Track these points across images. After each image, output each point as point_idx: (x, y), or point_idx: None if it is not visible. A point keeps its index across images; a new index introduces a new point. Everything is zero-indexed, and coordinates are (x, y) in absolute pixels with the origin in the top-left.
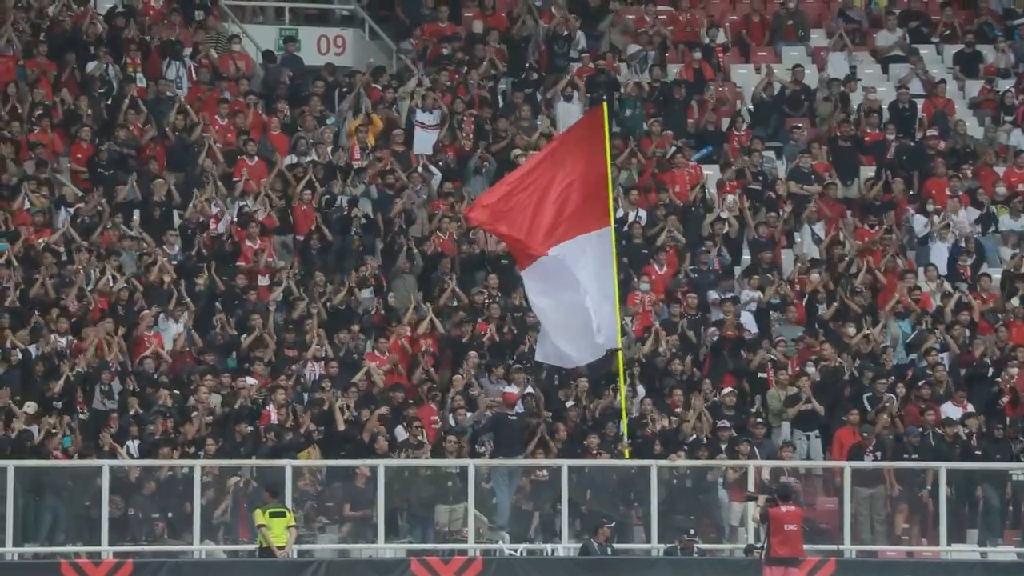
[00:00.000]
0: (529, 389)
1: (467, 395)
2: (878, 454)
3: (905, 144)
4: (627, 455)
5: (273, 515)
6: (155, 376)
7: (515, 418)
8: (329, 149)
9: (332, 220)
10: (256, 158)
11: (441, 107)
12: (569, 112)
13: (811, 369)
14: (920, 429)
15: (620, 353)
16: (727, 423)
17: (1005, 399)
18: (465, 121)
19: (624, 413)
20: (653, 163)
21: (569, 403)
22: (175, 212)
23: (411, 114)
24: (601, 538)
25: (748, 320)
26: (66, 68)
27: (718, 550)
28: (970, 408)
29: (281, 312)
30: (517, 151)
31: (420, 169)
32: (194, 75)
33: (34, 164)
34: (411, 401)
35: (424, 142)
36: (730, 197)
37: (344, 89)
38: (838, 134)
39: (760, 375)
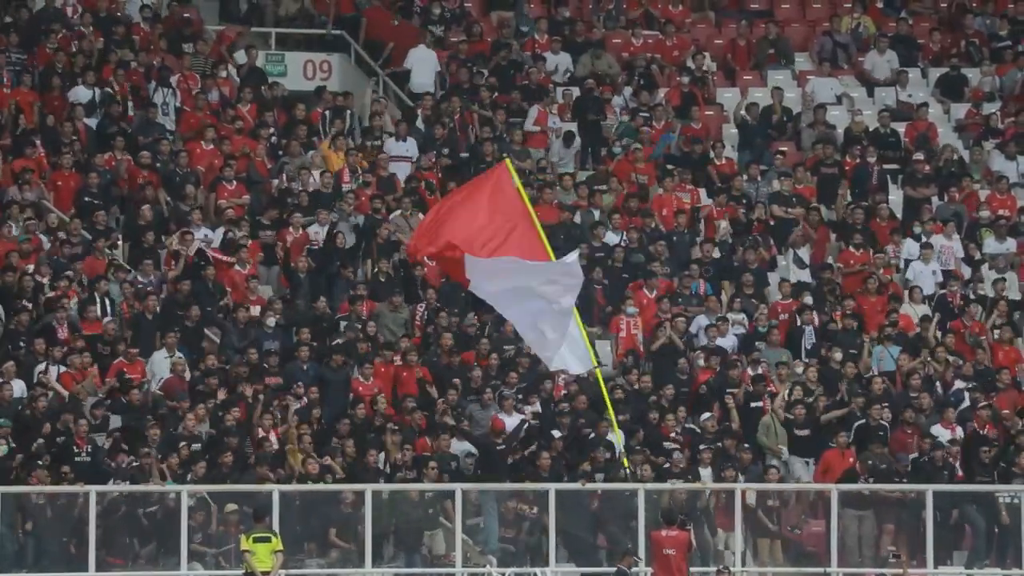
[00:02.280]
0: (522, 417)
1: (453, 422)
2: (871, 479)
3: (889, 168)
4: (627, 463)
5: (257, 540)
6: (144, 407)
7: (503, 447)
8: (316, 174)
9: (318, 246)
10: (235, 182)
11: (411, 137)
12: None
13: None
14: (913, 456)
15: (599, 372)
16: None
17: (986, 424)
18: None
19: (616, 429)
20: (635, 188)
21: (556, 433)
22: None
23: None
24: (626, 563)
25: (733, 344)
26: (52, 93)
27: (703, 573)
28: (959, 430)
29: (271, 340)
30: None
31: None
32: (180, 101)
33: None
34: (395, 427)
35: (398, 172)
36: (723, 224)
37: (327, 112)
38: (823, 158)
39: (754, 404)
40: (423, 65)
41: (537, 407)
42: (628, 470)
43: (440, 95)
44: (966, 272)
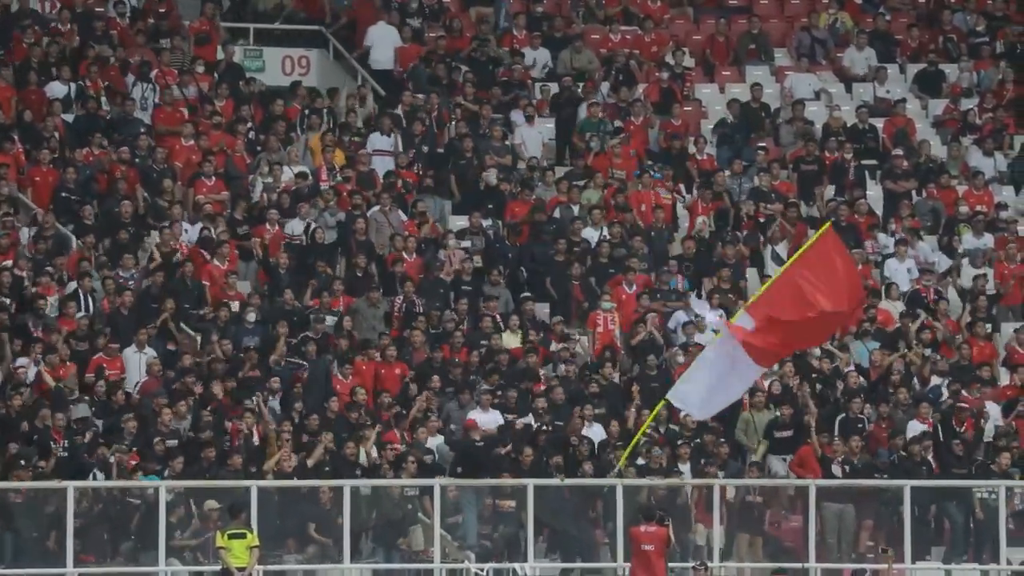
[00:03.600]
0: (499, 417)
1: (427, 420)
2: (847, 467)
3: (867, 164)
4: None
5: (232, 536)
6: (120, 403)
7: (480, 444)
8: (294, 170)
9: (296, 242)
10: (214, 178)
11: (395, 132)
12: (530, 136)
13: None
14: (889, 452)
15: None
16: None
17: (964, 421)
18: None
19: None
20: (614, 186)
21: (540, 425)
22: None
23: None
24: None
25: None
26: (29, 88)
27: (682, 569)
28: (937, 426)
29: (250, 336)
30: (491, 171)
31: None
32: (158, 96)
33: None
34: (370, 424)
35: (379, 167)
36: (700, 219)
37: (307, 112)
38: (803, 155)
39: None
40: (383, 42)
41: (530, 419)
42: (622, 469)
43: (401, 72)
44: (943, 268)
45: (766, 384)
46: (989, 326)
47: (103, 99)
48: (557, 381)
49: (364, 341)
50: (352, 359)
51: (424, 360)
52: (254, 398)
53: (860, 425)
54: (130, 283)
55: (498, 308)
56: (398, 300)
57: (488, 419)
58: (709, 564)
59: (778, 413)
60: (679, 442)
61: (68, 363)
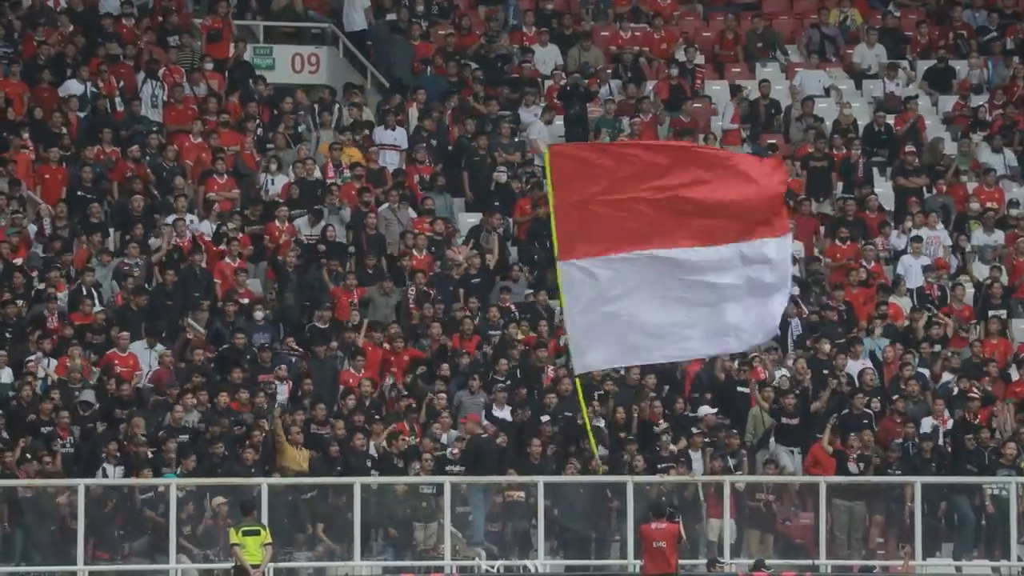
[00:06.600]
0: (505, 412)
1: (441, 412)
2: (861, 465)
3: (877, 160)
4: (601, 472)
5: (246, 533)
6: (130, 399)
7: (486, 437)
8: (303, 167)
9: (305, 239)
10: (226, 176)
11: (404, 127)
12: (543, 132)
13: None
14: (900, 441)
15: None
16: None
17: (977, 413)
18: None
19: (590, 431)
20: None
21: (544, 418)
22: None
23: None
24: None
25: None
26: (40, 86)
27: (693, 565)
28: (949, 422)
29: (261, 333)
30: (501, 169)
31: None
32: (167, 94)
33: (7, 182)
34: (378, 416)
35: (387, 162)
36: None
37: (318, 107)
38: (810, 151)
39: (741, 389)
40: (352, 3)
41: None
42: (600, 472)
43: (370, 29)
44: (953, 264)
45: (778, 376)
46: (1004, 312)
47: (117, 99)
48: (566, 371)
49: (373, 323)
50: (361, 349)
51: (436, 349)
52: (264, 391)
53: (866, 421)
54: (135, 270)
55: (509, 301)
56: (411, 291)
57: (502, 416)
58: (721, 560)
59: (783, 401)
60: (693, 430)
61: (80, 358)
